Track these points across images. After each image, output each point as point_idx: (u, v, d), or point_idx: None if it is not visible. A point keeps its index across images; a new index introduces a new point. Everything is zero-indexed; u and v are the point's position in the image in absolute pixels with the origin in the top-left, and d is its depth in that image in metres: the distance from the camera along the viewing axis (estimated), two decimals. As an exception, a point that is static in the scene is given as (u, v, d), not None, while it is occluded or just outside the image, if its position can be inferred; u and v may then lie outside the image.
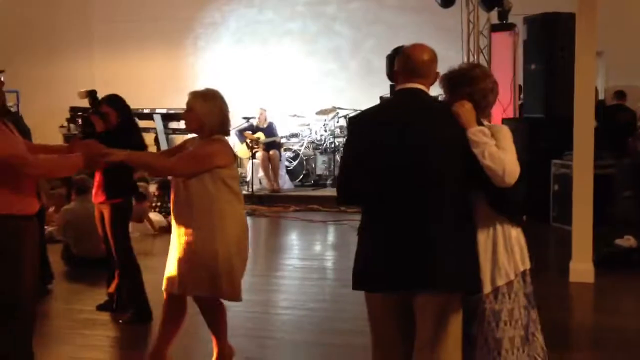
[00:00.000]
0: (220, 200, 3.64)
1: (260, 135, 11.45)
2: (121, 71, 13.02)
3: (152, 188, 9.46)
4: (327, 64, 12.83)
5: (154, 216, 8.87)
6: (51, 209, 8.19)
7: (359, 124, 3.01)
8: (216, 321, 3.89)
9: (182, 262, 3.69)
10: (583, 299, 5.85)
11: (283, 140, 11.80)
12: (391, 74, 9.21)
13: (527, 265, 2.85)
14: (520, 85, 10.13)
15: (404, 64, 2.88)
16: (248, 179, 11.29)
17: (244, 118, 11.80)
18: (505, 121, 9.80)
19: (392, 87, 9.18)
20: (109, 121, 5.11)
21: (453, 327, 2.77)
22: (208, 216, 3.62)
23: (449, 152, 2.74)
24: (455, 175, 2.74)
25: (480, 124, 2.77)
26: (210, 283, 3.65)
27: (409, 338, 2.86)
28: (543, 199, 8.88)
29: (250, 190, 11.01)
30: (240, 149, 11.79)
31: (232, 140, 12.11)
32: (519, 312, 2.79)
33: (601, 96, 11.31)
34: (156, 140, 12.64)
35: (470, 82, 2.85)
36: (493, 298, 2.79)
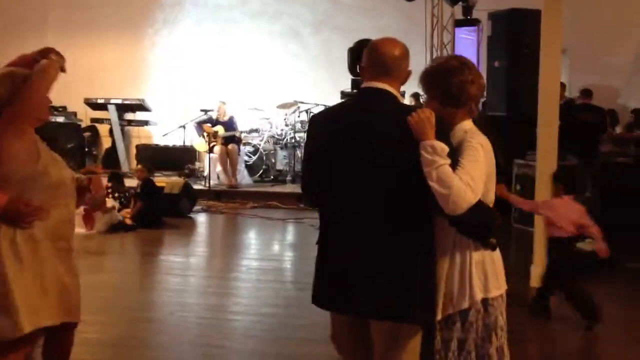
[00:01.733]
0: None
1: (219, 128, 11.11)
2: (75, 59, 12.50)
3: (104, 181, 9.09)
4: (288, 54, 12.54)
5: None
6: None
7: (316, 125, 2.75)
8: None
9: None
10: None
11: (243, 135, 11.48)
12: (353, 67, 8.97)
13: (493, 293, 2.53)
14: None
15: (372, 59, 2.59)
16: (205, 173, 10.96)
17: (202, 110, 11.47)
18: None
19: (353, 81, 8.95)
20: None
21: (406, 355, 2.55)
22: None
23: (403, 168, 2.43)
24: (409, 196, 2.44)
25: (438, 130, 2.44)
26: None
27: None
28: (504, 200, 8.76)
29: (207, 185, 10.69)
30: (198, 143, 11.47)
31: (190, 132, 11.79)
32: (472, 343, 2.51)
33: (569, 94, 11.26)
34: (110, 132, 12.24)
35: (444, 76, 2.54)
36: (444, 325, 2.54)
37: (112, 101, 11.94)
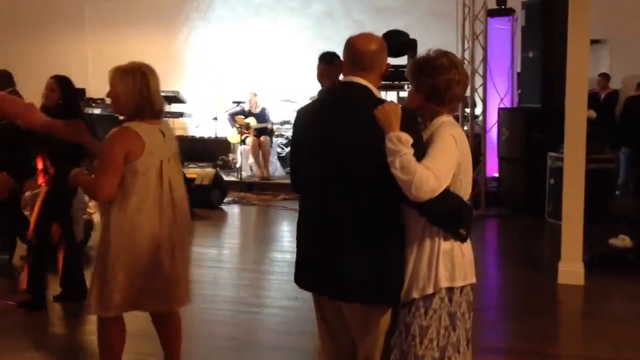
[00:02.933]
0: None
1: (251, 120, 11.16)
2: (112, 51, 12.69)
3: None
4: (320, 45, 12.48)
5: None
6: (27, 193, 7.97)
7: (298, 117, 2.88)
8: None
9: None
10: (570, 304, 5.56)
11: (275, 127, 11.50)
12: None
13: (458, 283, 2.58)
14: (519, 74, 9.81)
15: (348, 54, 2.69)
16: (238, 165, 11.02)
17: (235, 102, 11.53)
18: (501, 111, 9.52)
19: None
20: (51, 99, 5.09)
21: (376, 336, 2.65)
22: None
23: (369, 158, 2.54)
24: (376, 183, 2.53)
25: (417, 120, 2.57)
26: None
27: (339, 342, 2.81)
28: (538, 193, 8.62)
29: (239, 177, 10.75)
30: (231, 134, 11.54)
31: (223, 124, 11.86)
32: (435, 331, 2.56)
33: (616, 86, 10.99)
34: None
35: (433, 72, 2.60)
36: (407, 310, 2.60)
37: (148, 93, 12.06)
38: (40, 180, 5.24)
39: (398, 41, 8.53)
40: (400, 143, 2.41)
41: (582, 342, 4.75)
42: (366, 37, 2.67)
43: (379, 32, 9.38)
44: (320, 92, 5.72)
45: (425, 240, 2.57)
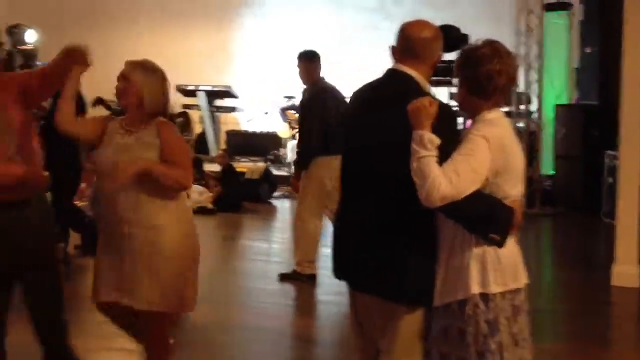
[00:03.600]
0: None
1: (302, 115, 11.16)
2: (166, 46, 12.93)
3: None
4: (374, 39, 12.41)
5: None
6: (84, 185, 8.20)
7: (350, 101, 2.79)
8: None
9: None
10: (624, 306, 5.38)
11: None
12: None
13: (493, 289, 2.42)
14: (576, 70, 9.56)
15: (400, 41, 2.57)
16: (288, 159, 11.07)
17: (286, 97, 11.57)
18: (558, 108, 9.30)
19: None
20: None
21: (405, 337, 2.55)
22: None
23: (400, 155, 2.38)
24: (406, 181, 2.37)
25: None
26: None
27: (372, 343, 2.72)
28: (595, 192, 8.39)
29: (289, 171, 10.79)
30: (281, 129, 11.59)
31: (275, 119, 11.92)
32: (471, 337, 2.41)
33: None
34: (201, 118, 12.56)
35: (473, 63, 2.42)
36: (444, 312, 2.48)
37: (202, 88, 12.24)
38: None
39: (449, 36, 8.38)
40: (422, 144, 2.29)
41: (636, 344, 4.61)
42: (420, 23, 2.55)
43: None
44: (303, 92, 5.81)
45: (457, 243, 2.44)
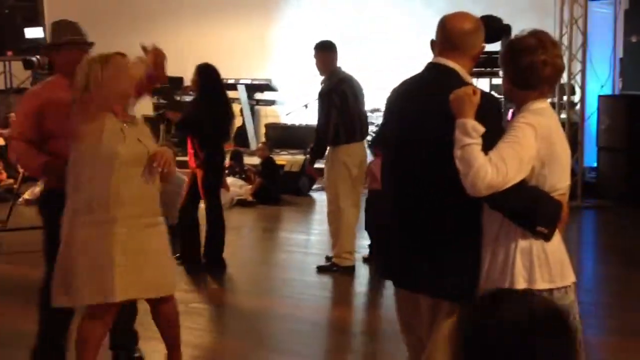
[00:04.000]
0: None
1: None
2: (208, 41, 13.05)
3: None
4: (418, 32, 12.31)
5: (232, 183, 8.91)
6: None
7: (389, 98, 2.76)
8: None
9: None
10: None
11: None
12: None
13: (539, 285, 2.35)
14: (621, 59, 9.34)
15: (440, 34, 2.57)
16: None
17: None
18: (602, 99, 9.11)
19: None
20: (192, 88, 5.89)
21: (447, 332, 2.53)
22: None
23: (444, 147, 2.35)
24: (450, 176, 2.35)
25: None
26: None
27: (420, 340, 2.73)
28: (639, 185, 8.22)
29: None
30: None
31: (315, 111, 11.91)
32: None
33: None
34: (241, 111, 12.66)
35: (518, 54, 2.40)
36: None
37: (242, 81, 12.33)
38: (192, 163, 5.77)
39: (491, 26, 8.28)
40: (466, 132, 2.27)
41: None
42: (460, 15, 2.55)
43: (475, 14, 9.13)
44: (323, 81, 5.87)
45: (502, 238, 2.39)
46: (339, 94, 5.66)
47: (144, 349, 3.92)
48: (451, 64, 2.52)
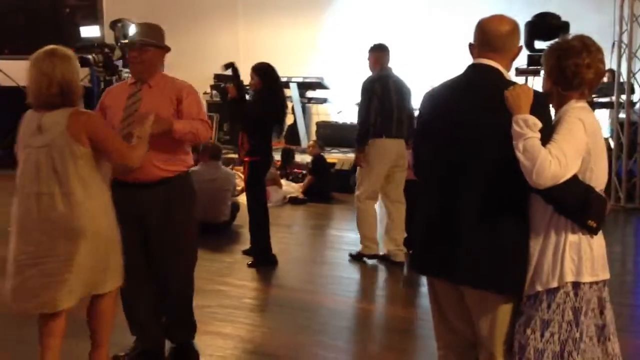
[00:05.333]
0: None
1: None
2: (262, 39, 13.17)
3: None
4: (466, 30, 12.16)
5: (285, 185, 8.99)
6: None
7: (427, 98, 2.83)
8: None
9: None
10: None
11: (417, 112, 11.36)
12: (530, 43, 8.56)
13: (585, 279, 2.44)
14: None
15: (479, 36, 2.66)
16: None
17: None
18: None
19: (529, 57, 8.54)
20: (252, 87, 5.90)
21: (496, 324, 2.58)
22: None
23: (495, 142, 2.47)
24: (501, 169, 2.46)
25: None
26: None
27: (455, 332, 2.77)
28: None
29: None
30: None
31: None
32: (557, 325, 2.44)
33: None
34: (293, 109, 12.73)
35: (562, 55, 2.51)
36: (530, 302, 2.50)
37: (294, 79, 12.40)
38: (241, 154, 6.00)
39: (547, 24, 8.17)
40: (527, 126, 2.36)
41: None
42: (498, 18, 2.65)
43: (531, 12, 9.07)
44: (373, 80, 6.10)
45: (551, 231, 2.47)
46: (382, 85, 5.98)
47: (197, 343, 3.99)
48: (493, 64, 2.62)
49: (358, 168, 6.20)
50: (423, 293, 5.17)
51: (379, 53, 6.23)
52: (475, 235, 2.52)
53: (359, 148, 6.04)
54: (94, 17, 11.63)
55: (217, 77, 12.55)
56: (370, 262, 6.05)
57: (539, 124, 2.36)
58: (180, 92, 3.61)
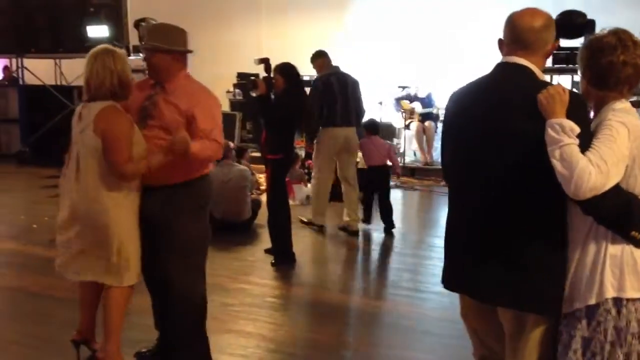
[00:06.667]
0: None
1: (416, 105, 11.08)
2: (285, 38, 13.17)
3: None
4: (490, 27, 12.04)
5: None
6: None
7: (453, 99, 2.64)
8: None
9: None
10: None
11: (440, 112, 11.33)
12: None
13: (629, 294, 2.24)
14: None
15: (509, 32, 2.47)
16: (401, 149, 11.01)
17: (400, 87, 11.49)
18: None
19: (553, 55, 8.42)
20: (276, 87, 5.89)
21: (531, 344, 2.42)
22: None
23: (527, 147, 2.27)
24: (534, 176, 2.27)
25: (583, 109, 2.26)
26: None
27: (491, 350, 2.66)
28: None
29: (402, 161, 10.73)
30: (396, 119, 11.53)
31: (387, 109, 11.85)
32: (599, 345, 2.25)
33: None
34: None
35: (595, 53, 2.33)
36: (569, 320, 2.33)
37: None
38: (264, 152, 6.11)
39: (572, 22, 8.06)
40: (563, 132, 2.17)
41: None
42: (529, 12, 2.44)
43: (558, 9, 8.89)
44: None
45: (590, 243, 2.28)
46: (323, 82, 6.99)
47: (219, 341, 3.99)
48: (524, 62, 2.43)
49: (314, 153, 7.15)
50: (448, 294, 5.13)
51: (320, 59, 7.28)
52: (508, 251, 2.35)
53: (309, 139, 7.12)
54: (118, 16, 11.69)
55: (239, 75, 12.59)
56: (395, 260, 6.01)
57: (577, 129, 2.18)
58: (194, 109, 3.38)
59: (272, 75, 5.86)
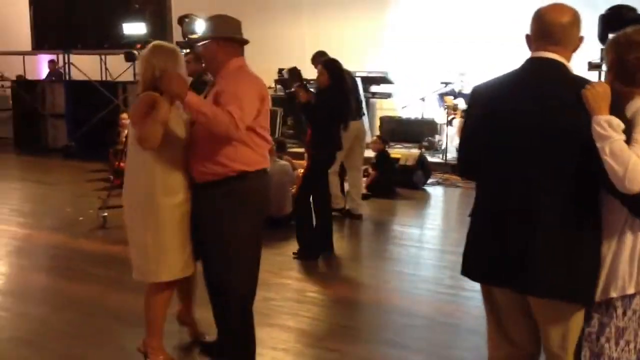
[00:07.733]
0: None
1: (460, 101, 10.96)
2: (326, 33, 13.17)
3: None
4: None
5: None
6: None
7: (478, 95, 2.62)
8: None
9: None
10: None
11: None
12: (604, 37, 8.26)
13: None
14: None
15: (538, 28, 2.47)
16: (443, 146, 10.91)
17: (443, 83, 11.38)
18: None
19: (602, 51, 8.23)
20: (320, 82, 5.92)
21: (565, 332, 2.45)
22: None
23: (565, 143, 2.31)
24: (571, 172, 2.30)
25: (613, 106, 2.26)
26: None
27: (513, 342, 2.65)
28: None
29: (444, 158, 10.64)
30: (438, 115, 11.45)
31: (430, 105, 11.76)
32: (633, 333, 2.30)
33: None
34: (356, 104, 12.69)
35: (623, 49, 2.35)
36: (604, 310, 2.37)
37: (358, 74, 12.32)
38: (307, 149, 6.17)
39: (623, 17, 7.86)
40: (612, 128, 2.20)
41: None
42: (557, 8, 2.46)
43: (608, 3, 8.69)
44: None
45: (627, 234, 2.32)
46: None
47: (261, 337, 4.01)
48: (557, 57, 2.43)
49: None
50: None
51: (324, 58, 7.13)
52: (545, 241, 2.35)
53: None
54: (162, 12, 11.82)
55: (281, 71, 12.64)
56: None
57: (622, 125, 2.22)
58: (224, 88, 3.25)
59: (303, 81, 5.98)
